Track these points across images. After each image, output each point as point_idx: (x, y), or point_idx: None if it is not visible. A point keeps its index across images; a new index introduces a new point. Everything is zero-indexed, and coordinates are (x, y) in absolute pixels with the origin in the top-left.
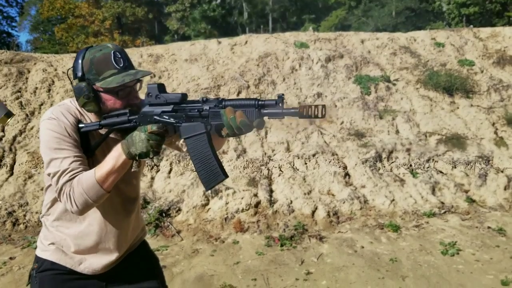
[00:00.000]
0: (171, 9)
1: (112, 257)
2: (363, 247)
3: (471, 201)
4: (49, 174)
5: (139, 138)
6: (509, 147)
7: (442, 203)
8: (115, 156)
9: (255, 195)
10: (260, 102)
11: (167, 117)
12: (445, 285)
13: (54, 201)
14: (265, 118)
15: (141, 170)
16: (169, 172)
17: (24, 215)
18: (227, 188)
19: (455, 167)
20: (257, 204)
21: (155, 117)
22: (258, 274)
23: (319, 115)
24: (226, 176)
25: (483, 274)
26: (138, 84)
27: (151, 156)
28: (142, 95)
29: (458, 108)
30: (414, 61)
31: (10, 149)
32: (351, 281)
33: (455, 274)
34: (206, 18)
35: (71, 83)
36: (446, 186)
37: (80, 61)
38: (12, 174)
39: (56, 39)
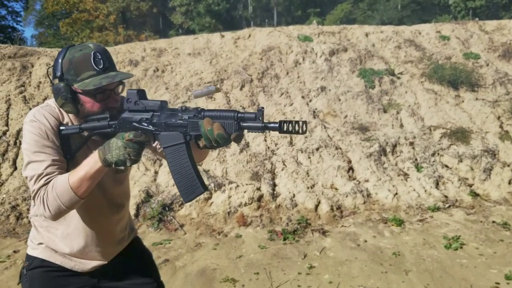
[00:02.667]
0: (176, 3)
1: (100, 259)
2: (366, 241)
3: (475, 195)
4: (26, 177)
5: (116, 145)
6: None
7: (446, 197)
8: (90, 163)
9: (258, 189)
10: (239, 115)
11: (146, 125)
12: (449, 279)
13: None
14: (244, 131)
15: (128, 173)
16: None
17: (28, 209)
18: (230, 182)
19: (461, 161)
20: (260, 198)
21: (134, 124)
22: (261, 268)
23: (300, 131)
24: (206, 189)
25: (487, 268)
26: (120, 87)
27: (128, 164)
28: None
29: (463, 101)
30: (418, 55)
31: (15, 143)
32: (353, 275)
33: (459, 268)
34: (211, 12)
35: (51, 82)
36: (449, 180)
37: (60, 60)
38: (16, 168)
39: (61, 34)
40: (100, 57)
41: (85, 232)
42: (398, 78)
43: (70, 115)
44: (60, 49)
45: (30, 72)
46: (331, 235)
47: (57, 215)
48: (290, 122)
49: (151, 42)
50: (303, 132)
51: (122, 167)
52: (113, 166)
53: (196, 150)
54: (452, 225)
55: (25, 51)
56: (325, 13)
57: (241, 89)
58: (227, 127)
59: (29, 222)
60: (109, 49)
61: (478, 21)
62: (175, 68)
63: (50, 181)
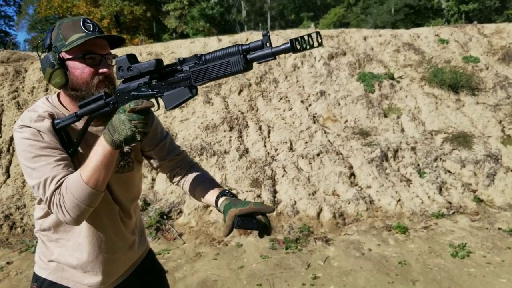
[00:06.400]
0: (169, 7)
1: (114, 270)
2: (370, 249)
3: (478, 201)
4: (33, 187)
5: (119, 120)
6: None
7: (450, 203)
8: (99, 150)
9: (259, 196)
10: (244, 47)
11: (145, 89)
12: None
13: (48, 213)
14: (255, 63)
15: (139, 173)
16: None
17: (22, 218)
18: (230, 189)
19: (464, 166)
20: None
21: (133, 92)
22: (264, 279)
23: (315, 45)
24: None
25: (496, 277)
26: (113, 60)
27: (138, 139)
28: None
29: (464, 105)
30: (418, 58)
31: (8, 150)
32: (359, 286)
33: (467, 277)
34: (205, 16)
35: (39, 57)
36: (453, 186)
37: (49, 34)
38: (9, 176)
39: None
40: (90, 22)
41: (96, 238)
42: (398, 82)
43: (63, 109)
44: None
45: (24, 77)
46: (334, 243)
47: (79, 217)
48: (302, 37)
49: (147, 46)
50: (320, 44)
51: (133, 144)
52: (123, 145)
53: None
54: (458, 232)
55: (18, 56)
56: (318, 17)
57: (239, 93)
58: (234, 65)
59: (23, 231)
60: None
61: (477, 24)
62: None
63: (61, 183)
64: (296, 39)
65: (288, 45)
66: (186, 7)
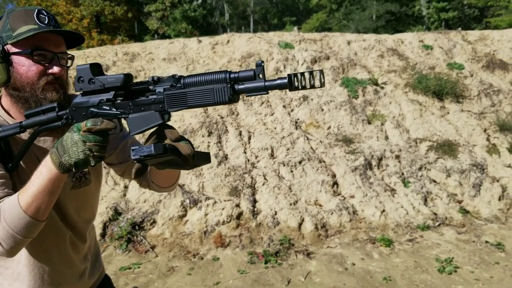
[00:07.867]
0: (151, 8)
1: None
2: (354, 264)
3: (464, 212)
4: None
5: (72, 141)
6: (502, 155)
7: (435, 214)
8: (43, 173)
9: (237, 205)
10: (233, 75)
11: (107, 108)
12: None
13: None
14: (243, 95)
15: (99, 187)
16: None
17: None
18: (207, 198)
19: (449, 176)
20: (239, 216)
21: (92, 109)
22: None
23: (316, 84)
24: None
25: None
26: (69, 61)
27: (92, 164)
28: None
29: (448, 113)
30: (402, 64)
31: None
32: None
33: None
34: (187, 18)
35: None
36: (438, 196)
37: None
38: None
39: None
40: (46, 14)
41: (38, 268)
42: (382, 88)
43: (5, 115)
44: None
45: None
46: (316, 257)
47: (13, 248)
48: (302, 74)
49: (123, 46)
50: (322, 85)
51: (85, 169)
52: (73, 169)
53: (164, 172)
54: (444, 245)
55: None
56: (300, 22)
57: None
58: (218, 94)
59: None
60: (78, 53)
61: (461, 31)
62: (148, 74)
63: None
64: (295, 75)
65: (285, 81)
66: (168, 9)
